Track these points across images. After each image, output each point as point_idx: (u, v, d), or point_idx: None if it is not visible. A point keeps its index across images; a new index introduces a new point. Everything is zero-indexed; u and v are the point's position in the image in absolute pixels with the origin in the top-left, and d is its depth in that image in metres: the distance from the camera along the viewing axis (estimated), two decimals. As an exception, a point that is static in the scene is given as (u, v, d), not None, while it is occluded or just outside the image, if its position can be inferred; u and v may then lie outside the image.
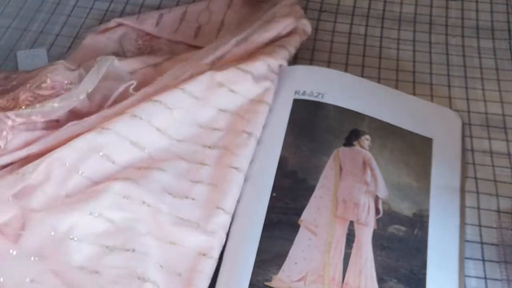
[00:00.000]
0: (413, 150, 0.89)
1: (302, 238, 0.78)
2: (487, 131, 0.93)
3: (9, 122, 0.82)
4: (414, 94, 0.98)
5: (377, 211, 0.82)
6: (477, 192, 0.86)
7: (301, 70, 0.96)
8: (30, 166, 0.78)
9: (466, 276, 0.78)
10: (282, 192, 0.82)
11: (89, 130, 0.83)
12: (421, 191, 0.84)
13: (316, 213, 0.80)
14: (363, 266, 0.77)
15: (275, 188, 0.82)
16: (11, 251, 0.71)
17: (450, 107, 0.96)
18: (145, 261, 0.74)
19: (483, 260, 0.80)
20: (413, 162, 0.87)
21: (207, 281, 0.74)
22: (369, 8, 1.12)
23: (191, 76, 0.90)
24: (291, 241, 0.77)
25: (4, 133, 0.81)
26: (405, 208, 0.82)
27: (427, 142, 0.90)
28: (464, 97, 0.98)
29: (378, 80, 1.00)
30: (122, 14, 1.10)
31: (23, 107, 0.84)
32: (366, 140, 0.88)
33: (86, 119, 0.84)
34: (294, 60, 1.00)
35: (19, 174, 0.77)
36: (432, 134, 0.91)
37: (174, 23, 1.07)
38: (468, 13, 1.11)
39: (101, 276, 0.72)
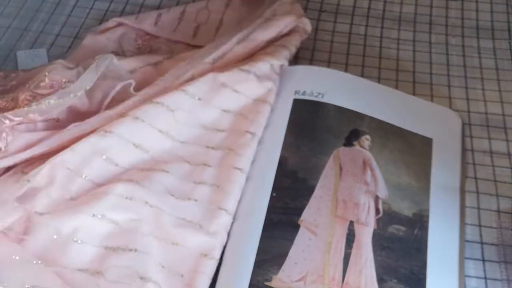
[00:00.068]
0: (413, 150, 0.89)
1: (302, 238, 0.78)
2: (487, 131, 0.93)
3: (7, 122, 0.81)
4: (414, 94, 0.98)
5: (377, 211, 0.82)
6: (477, 192, 0.86)
7: (301, 70, 0.96)
8: (34, 171, 0.78)
9: (466, 276, 0.78)
10: (282, 192, 0.82)
11: (91, 132, 0.83)
12: (421, 191, 0.84)
13: (316, 213, 0.80)
14: (363, 266, 0.77)
15: (275, 188, 0.82)
16: (13, 256, 0.71)
17: (450, 107, 0.96)
18: (147, 261, 0.74)
19: (483, 260, 0.80)
20: (413, 162, 0.87)
21: (208, 282, 0.75)
22: (369, 8, 1.12)
23: (193, 77, 0.90)
24: (291, 241, 0.77)
25: (4, 134, 0.81)
26: (405, 208, 0.82)
27: (427, 142, 0.90)
28: (464, 97, 0.98)
29: (378, 80, 1.00)
30: (122, 14, 1.10)
31: (22, 107, 0.84)
32: (366, 140, 0.88)
33: (88, 120, 0.84)
34: (295, 60, 1.00)
35: (25, 180, 0.77)
36: (432, 134, 0.91)
37: (173, 23, 1.07)
38: (468, 13, 1.11)
39: (104, 277, 0.72)
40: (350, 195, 0.83)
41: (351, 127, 0.90)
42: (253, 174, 0.84)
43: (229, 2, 1.09)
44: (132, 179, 0.80)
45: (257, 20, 0.98)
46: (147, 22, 1.06)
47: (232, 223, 0.80)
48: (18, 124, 0.83)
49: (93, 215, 0.76)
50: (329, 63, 1.02)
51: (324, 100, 0.91)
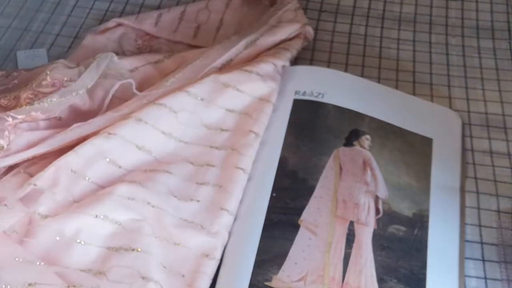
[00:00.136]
0: (413, 150, 0.89)
1: (302, 238, 0.78)
2: (487, 131, 0.93)
3: (10, 120, 0.81)
4: (414, 94, 0.98)
5: (377, 211, 0.82)
6: (477, 192, 0.86)
7: (301, 70, 0.96)
8: (39, 175, 0.78)
9: (466, 276, 0.78)
10: (282, 192, 0.82)
11: (94, 133, 0.83)
12: (421, 191, 0.84)
13: (316, 213, 0.80)
14: (363, 266, 0.77)
15: (275, 188, 0.82)
16: (17, 259, 0.71)
17: (450, 107, 0.96)
18: (148, 261, 0.74)
19: (483, 260, 0.80)
20: (413, 162, 0.87)
21: (208, 282, 0.75)
22: (369, 8, 1.12)
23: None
24: (291, 241, 0.77)
25: (6, 132, 0.81)
26: (405, 208, 0.83)
27: (427, 142, 0.90)
28: (464, 97, 0.98)
29: (378, 80, 1.00)
30: (122, 14, 1.10)
31: (24, 105, 0.84)
32: (366, 140, 0.88)
33: (91, 120, 0.85)
34: (295, 61, 1.00)
35: (29, 184, 0.77)
36: (432, 134, 0.91)
37: (173, 23, 1.07)
38: (468, 13, 1.11)
39: (106, 277, 0.72)
40: (350, 195, 0.83)
41: (351, 127, 0.90)
42: (253, 174, 0.84)
43: (229, 2, 1.09)
44: (135, 180, 0.80)
45: (262, 26, 0.98)
46: (147, 22, 1.06)
47: (233, 223, 0.80)
48: (20, 122, 0.83)
49: (96, 216, 0.76)
50: (329, 63, 1.02)
51: (324, 100, 0.91)
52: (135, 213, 0.78)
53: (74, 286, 0.70)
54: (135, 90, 0.89)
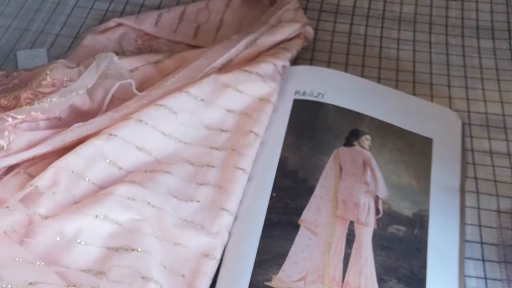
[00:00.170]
0: (413, 150, 0.89)
1: (302, 238, 0.78)
2: (487, 131, 0.93)
3: (10, 120, 0.81)
4: (414, 94, 0.98)
5: (377, 211, 0.82)
6: (477, 192, 0.86)
7: (301, 70, 0.96)
8: (39, 176, 0.78)
9: (466, 276, 0.78)
10: (282, 192, 0.82)
11: (94, 133, 0.83)
12: (421, 191, 0.84)
13: (316, 213, 0.80)
14: (363, 266, 0.77)
15: (275, 188, 0.82)
16: (17, 259, 0.71)
17: (450, 107, 0.96)
18: (148, 261, 0.74)
19: (483, 260, 0.80)
20: (413, 162, 0.87)
21: (208, 282, 0.75)
22: (369, 8, 1.12)
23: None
24: (291, 241, 0.77)
25: (6, 133, 0.81)
26: (405, 208, 0.82)
27: (427, 142, 0.90)
28: (464, 97, 0.98)
29: (378, 80, 1.00)
30: (122, 14, 1.10)
31: (24, 105, 0.84)
32: (366, 140, 0.88)
33: (91, 121, 0.85)
34: (295, 61, 1.00)
35: (30, 186, 0.77)
36: (432, 134, 0.91)
37: (173, 23, 1.07)
38: (468, 13, 1.11)
39: (107, 277, 0.72)
40: (350, 195, 0.83)
41: (351, 127, 0.90)
42: (253, 174, 0.84)
43: (229, 2, 1.09)
44: (135, 180, 0.80)
45: (262, 26, 0.98)
46: (147, 22, 1.06)
47: (233, 223, 0.80)
48: (20, 122, 0.83)
49: (96, 216, 0.76)
50: (329, 63, 1.02)
51: (324, 100, 0.91)
52: (135, 213, 0.78)
53: (74, 286, 0.70)
54: (135, 90, 0.89)
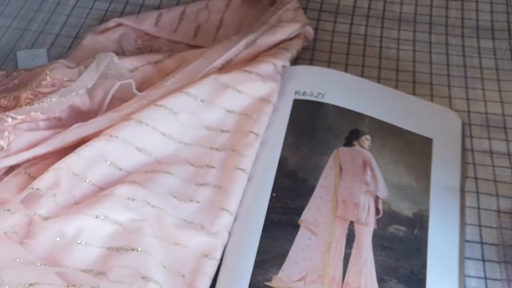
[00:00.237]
0: (413, 150, 0.89)
1: (302, 238, 0.78)
2: (487, 131, 0.93)
3: (10, 121, 0.81)
4: (414, 94, 0.98)
5: (377, 211, 0.82)
6: (477, 192, 0.86)
7: (301, 70, 0.96)
8: (40, 177, 0.78)
9: (466, 276, 0.78)
10: (282, 192, 0.82)
11: (95, 133, 0.83)
12: (421, 191, 0.84)
13: (316, 213, 0.80)
14: (363, 266, 0.77)
15: (275, 188, 0.82)
16: (17, 260, 0.71)
17: (450, 107, 0.96)
18: (149, 261, 0.74)
19: (483, 260, 0.80)
20: (413, 162, 0.87)
21: (208, 282, 0.75)
22: (369, 8, 1.12)
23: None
24: (291, 241, 0.77)
25: (6, 133, 0.81)
26: (405, 208, 0.82)
27: (427, 142, 0.90)
28: (464, 97, 0.98)
29: (378, 80, 1.00)
30: (122, 14, 1.10)
31: (24, 105, 0.84)
32: (366, 140, 0.88)
33: (91, 121, 0.85)
34: (295, 61, 1.00)
35: (34, 189, 0.77)
36: (432, 134, 0.91)
37: (173, 23, 1.07)
38: (468, 13, 1.11)
39: (107, 277, 0.72)
40: (350, 195, 0.83)
41: (351, 127, 0.90)
42: (253, 174, 0.84)
43: (229, 2, 1.09)
44: (135, 181, 0.80)
45: (262, 26, 0.98)
46: (147, 22, 1.06)
47: (233, 223, 0.80)
48: (20, 122, 0.83)
49: (96, 217, 0.76)
50: (329, 63, 1.02)
51: (324, 100, 0.91)
52: (135, 213, 0.78)
53: (74, 286, 0.70)
54: (135, 90, 0.89)
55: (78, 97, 0.86)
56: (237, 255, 0.77)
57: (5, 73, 0.95)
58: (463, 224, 0.82)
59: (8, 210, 0.74)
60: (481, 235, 0.82)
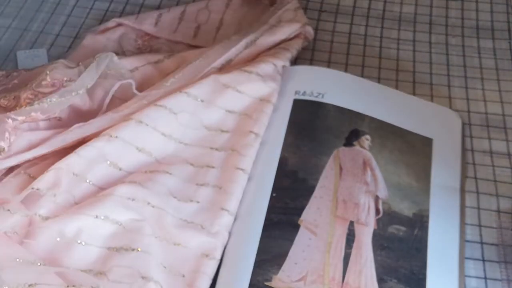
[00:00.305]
0: (413, 150, 0.89)
1: (302, 238, 0.78)
2: (487, 131, 0.93)
3: (10, 122, 0.81)
4: (414, 94, 0.98)
5: (377, 211, 0.82)
6: (477, 192, 0.86)
7: (301, 70, 0.96)
8: (39, 178, 0.78)
9: (466, 276, 0.78)
10: (282, 192, 0.82)
11: (95, 134, 0.83)
12: (421, 191, 0.84)
13: (316, 213, 0.80)
14: (363, 266, 0.77)
15: (275, 188, 0.82)
16: (17, 259, 0.71)
17: (450, 107, 0.96)
18: (149, 261, 0.74)
19: (483, 260, 0.80)
20: (413, 162, 0.87)
21: (208, 282, 0.75)
22: (369, 8, 1.12)
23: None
24: (291, 241, 0.77)
25: (7, 134, 0.81)
26: (405, 208, 0.82)
27: (427, 142, 0.90)
28: (464, 97, 0.98)
29: (378, 80, 1.00)
30: (122, 14, 1.10)
31: (24, 106, 0.84)
32: (366, 140, 0.88)
33: (91, 121, 0.85)
34: (295, 61, 1.00)
35: (34, 189, 0.77)
36: (432, 134, 0.91)
37: (173, 23, 1.07)
38: (468, 13, 1.11)
39: (107, 277, 0.72)
40: (350, 195, 0.83)
41: (351, 127, 0.90)
42: (253, 174, 0.84)
43: (229, 2, 1.09)
44: (135, 181, 0.80)
45: (262, 26, 0.98)
46: (147, 22, 1.06)
47: (233, 223, 0.80)
48: (20, 123, 0.83)
49: (96, 217, 0.76)
50: (329, 63, 1.02)
51: (324, 100, 0.91)
52: (135, 213, 0.78)
53: (74, 286, 0.70)
54: (135, 91, 0.89)
55: (78, 97, 0.86)
56: (237, 255, 0.77)
57: (5, 73, 0.95)
58: (463, 224, 0.82)
59: (8, 210, 0.74)
60: (481, 235, 0.82)
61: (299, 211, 0.80)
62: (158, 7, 1.11)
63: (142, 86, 0.91)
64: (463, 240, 0.81)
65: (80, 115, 0.88)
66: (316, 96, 0.92)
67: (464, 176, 0.87)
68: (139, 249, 0.75)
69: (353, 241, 0.79)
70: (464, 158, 0.90)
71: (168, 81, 0.90)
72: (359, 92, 0.94)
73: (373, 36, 1.07)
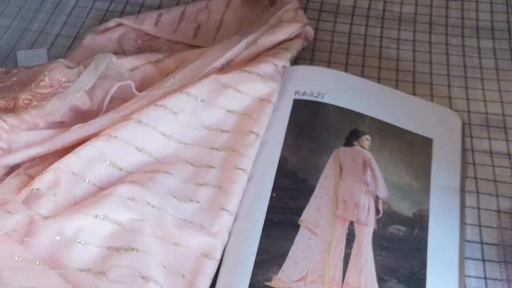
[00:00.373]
0: (413, 150, 0.89)
1: (302, 238, 0.78)
2: (487, 131, 0.93)
3: (5, 126, 0.81)
4: (414, 94, 0.98)
5: (377, 211, 0.82)
6: (477, 192, 0.86)
7: (301, 70, 0.96)
8: (38, 177, 0.78)
9: (466, 276, 0.78)
10: (282, 192, 0.82)
11: (95, 133, 0.83)
12: (421, 191, 0.85)
13: (316, 213, 0.80)
14: (363, 266, 0.77)
15: (275, 188, 0.82)
16: (16, 258, 0.71)
17: (450, 107, 0.96)
18: (148, 261, 0.74)
19: (483, 260, 0.80)
20: (413, 162, 0.87)
21: (208, 282, 0.75)
22: (369, 8, 1.12)
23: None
24: (291, 241, 0.77)
25: (4, 134, 0.81)
26: (405, 208, 0.82)
27: (427, 142, 0.90)
28: (464, 97, 0.98)
29: (378, 80, 1.00)
30: (122, 14, 1.10)
31: (22, 106, 0.84)
32: (366, 140, 0.88)
33: (91, 122, 0.85)
34: (294, 61, 1.00)
35: (33, 189, 0.77)
36: (432, 134, 0.91)
37: (173, 23, 1.07)
38: (468, 13, 1.11)
39: (106, 277, 0.72)
40: (350, 195, 0.83)
41: (351, 127, 0.90)
42: (253, 174, 0.84)
43: (229, 2, 1.09)
44: (135, 180, 0.80)
45: (263, 26, 0.98)
46: (147, 22, 1.06)
47: (233, 223, 0.80)
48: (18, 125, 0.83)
49: (96, 216, 0.76)
50: (329, 63, 1.02)
51: (324, 100, 0.91)
52: (135, 213, 0.78)
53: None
54: (135, 91, 0.89)
55: (77, 100, 0.86)
56: (237, 255, 0.77)
57: (5, 70, 0.95)
58: (463, 224, 0.82)
59: (9, 211, 0.74)
60: (481, 235, 0.82)
61: (299, 211, 0.80)
62: (158, 7, 1.11)
63: (142, 86, 0.91)
64: (463, 240, 0.81)
65: (80, 116, 0.88)
66: (316, 96, 0.92)
67: (464, 176, 0.87)
68: (139, 249, 0.75)
69: (353, 241, 0.79)
70: (464, 158, 0.90)
71: (168, 81, 0.90)
72: (359, 92, 0.94)
73: (373, 36, 1.07)
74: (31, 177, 0.80)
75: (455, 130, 0.92)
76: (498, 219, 0.84)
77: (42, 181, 0.78)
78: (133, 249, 0.75)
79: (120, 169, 0.82)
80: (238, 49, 0.95)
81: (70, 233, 0.75)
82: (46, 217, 0.76)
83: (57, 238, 0.75)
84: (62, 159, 0.80)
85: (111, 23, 1.06)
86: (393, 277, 0.76)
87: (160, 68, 0.96)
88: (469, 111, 0.96)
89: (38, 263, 0.71)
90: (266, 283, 0.74)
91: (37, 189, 0.77)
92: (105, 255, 0.75)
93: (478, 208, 0.85)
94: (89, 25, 1.08)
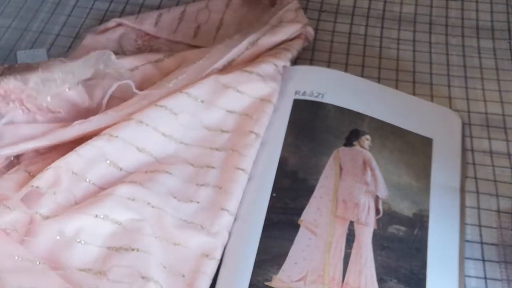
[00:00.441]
0: (413, 150, 0.89)
1: (302, 238, 0.78)
2: (487, 131, 0.93)
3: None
4: (414, 94, 0.98)
5: (377, 211, 0.82)
6: (477, 192, 0.86)
7: (301, 70, 0.96)
8: (39, 175, 0.78)
9: (466, 276, 0.78)
10: (282, 192, 0.82)
11: (95, 131, 0.83)
12: (421, 191, 0.85)
13: (316, 213, 0.80)
14: (363, 266, 0.77)
15: (275, 188, 0.82)
16: (16, 257, 0.71)
17: (450, 107, 0.96)
18: (148, 261, 0.74)
19: (483, 260, 0.80)
20: (413, 162, 0.87)
21: (208, 282, 0.75)
22: (369, 8, 1.12)
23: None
24: (291, 241, 0.77)
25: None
26: (405, 208, 0.82)
27: (427, 142, 0.90)
28: (464, 97, 0.98)
29: (378, 80, 1.00)
30: (122, 14, 1.10)
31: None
32: (366, 140, 0.88)
33: (91, 118, 0.85)
34: (295, 61, 1.00)
35: (33, 187, 0.77)
36: (432, 134, 0.91)
37: (173, 23, 1.07)
38: (468, 13, 1.11)
39: (106, 277, 0.72)
40: (350, 195, 0.83)
41: (351, 127, 0.90)
42: (253, 174, 0.84)
43: (229, 2, 1.09)
44: (135, 180, 0.80)
45: (263, 26, 0.98)
46: (147, 23, 1.06)
47: (233, 223, 0.80)
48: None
49: (96, 216, 0.76)
50: (329, 63, 1.02)
51: (324, 100, 0.91)
52: (135, 213, 0.78)
53: None
54: (135, 90, 0.89)
55: (76, 95, 0.85)
56: (237, 255, 0.77)
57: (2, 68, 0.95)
58: (463, 224, 0.82)
59: (8, 207, 0.74)
60: (481, 235, 0.82)
61: (299, 211, 0.80)
62: (158, 7, 1.11)
63: (142, 85, 0.91)
64: (463, 240, 0.81)
65: (80, 113, 0.88)
66: (316, 96, 0.92)
67: (464, 176, 0.87)
68: (139, 249, 0.75)
69: (353, 241, 0.79)
70: (464, 158, 0.90)
71: (171, 82, 0.90)
72: (359, 92, 0.94)
73: (373, 36, 1.07)
74: (31, 174, 0.80)
75: (455, 130, 0.92)
76: (498, 219, 0.84)
77: (43, 179, 0.78)
78: (133, 249, 0.75)
79: (121, 169, 0.82)
80: (239, 50, 0.95)
81: (70, 233, 0.75)
82: (47, 217, 0.76)
83: (58, 237, 0.75)
84: (62, 158, 0.80)
85: (111, 23, 1.06)
86: (393, 277, 0.76)
87: (160, 68, 0.96)
88: (469, 111, 0.96)
89: (38, 262, 0.71)
90: (266, 283, 0.74)
91: (37, 187, 0.77)
92: (105, 255, 0.75)
93: (478, 208, 0.85)
94: (89, 25, 1.08)
